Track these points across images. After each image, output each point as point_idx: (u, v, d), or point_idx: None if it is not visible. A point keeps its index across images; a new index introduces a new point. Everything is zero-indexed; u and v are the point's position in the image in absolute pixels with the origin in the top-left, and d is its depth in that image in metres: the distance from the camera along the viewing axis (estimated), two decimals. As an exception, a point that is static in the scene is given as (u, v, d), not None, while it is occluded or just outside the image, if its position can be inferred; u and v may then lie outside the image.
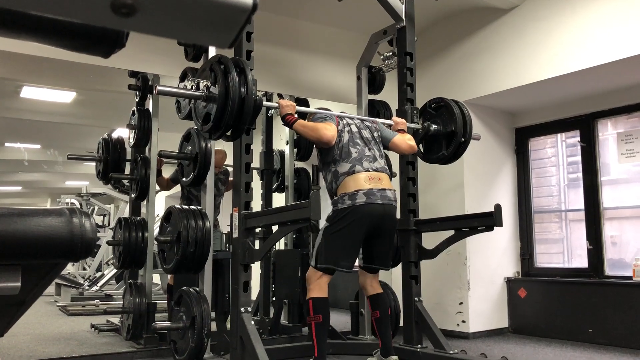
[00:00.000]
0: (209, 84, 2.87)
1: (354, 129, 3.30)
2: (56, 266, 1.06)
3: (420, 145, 3.92)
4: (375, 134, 3.38)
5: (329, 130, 3.13)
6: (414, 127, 3.81)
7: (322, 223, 3.26)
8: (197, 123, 3.00)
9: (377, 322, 3.32)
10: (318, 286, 3.10)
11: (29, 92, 6.04)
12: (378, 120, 3.62)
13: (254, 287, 3.44)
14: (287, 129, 5.00)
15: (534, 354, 3.98)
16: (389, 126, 3.59)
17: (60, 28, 0.84)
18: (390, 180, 3.33)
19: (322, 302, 3.08)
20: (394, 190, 3.27)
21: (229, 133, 2.94)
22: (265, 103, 3.13)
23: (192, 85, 2.99)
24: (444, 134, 3.80)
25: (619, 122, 4.61)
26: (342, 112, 3.52)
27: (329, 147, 3.18)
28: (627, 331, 4.12)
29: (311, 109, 3.51)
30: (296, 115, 3.23)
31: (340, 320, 5.13)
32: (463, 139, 3.74)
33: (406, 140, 3.47)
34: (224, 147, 4.67)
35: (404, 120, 3.65)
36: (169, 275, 4.68)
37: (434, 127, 3.81)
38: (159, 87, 2.85)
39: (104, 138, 4.64)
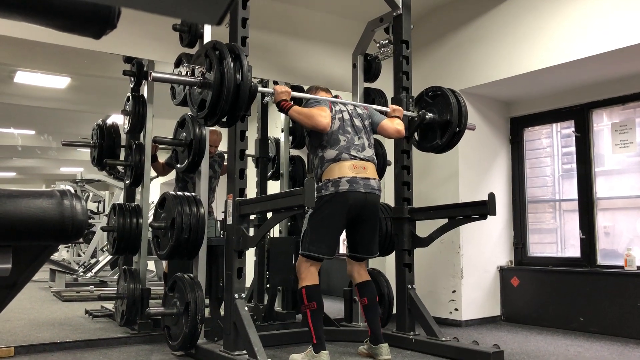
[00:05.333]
0: (204, 70, 2.85)
1: (346, 116, 3.31)
2: (47, 248, 1.06)
3: (415, 133, 3.92)
4: (367, 122, 3.39)
5: (324, 117, 3.14)
6: (410, 115, 3.81)
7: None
8: (193, 109, 2.99)
9: (365, 310, 3.33)
10: (309, 274, 3.12)
11: (22, 77, 6.00)
12: (375, 107, 3.61)
13: (248, 274, 3.45)
14: (282, 117, 4.99)
15: (526, 341, 4.01)
16: (385, 113, 3.59)
17: (50, 7, 0.83)
18: (380, 170, 3.35)
19: (314, 289, 3.10)
20: (379, 180, 3.30)
21: (224, 119, 2.93)
22: (260, 89, 3.12)
23: (187, 72, 2.98)
24: (439, 123, 3.80)
25: (614, 113, 4.61)
26: (335, 96, 3.51)
27: (323, 133, 3.19)
28: (618, 320, 4.15)
29: (306, 94, 3.48)
30: (291, 102, 3.22)
31: (333, 307, 5.16)
32: (458, 129, 3.75)
33: (394, 125, 3.48)
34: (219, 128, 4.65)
35: (400, 108, 3.65)
36: (164, 264, 4.69)
37: (429, 115, 3.82)
38: (154, 74, 2.83)
39: (99, 124, 4.61)
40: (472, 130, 4.00)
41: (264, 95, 5.02)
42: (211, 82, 2.79)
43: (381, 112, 3.58)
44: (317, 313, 3.06)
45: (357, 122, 3.34)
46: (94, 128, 4.65)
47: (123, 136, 4.72)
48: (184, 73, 3.63)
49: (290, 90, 3.24)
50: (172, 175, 5.10)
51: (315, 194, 3.19)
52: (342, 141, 3.20)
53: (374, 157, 3.35)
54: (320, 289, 3.18)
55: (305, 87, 5.04)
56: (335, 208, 3.11)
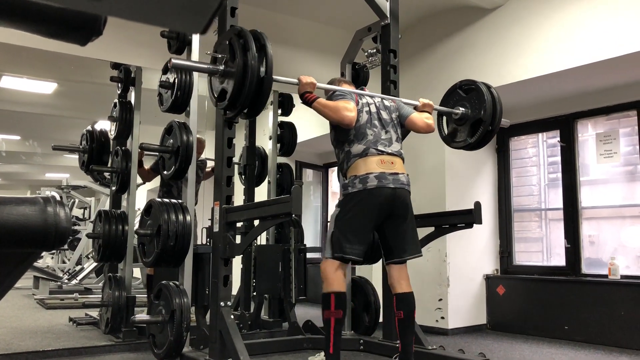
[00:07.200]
0: (227, 58, 2.72)
1: (373, 109, 3.16)
2: (29, 256, 1.05)
3: (445, 129, 3.70)
4: (394, 115, 3.23)
5: (350, 112, 2.98)
6: (442, 110, 3.61)
7: (333, 210, 3.17)
8: (212, 99, 2.88)
9: (399, 324, 3.04)
10: (337, 279, 2.94)
11: (8, 82, 5.95)
12: (403, 100, 3.43)
13: (234, 282, 3.43)
14: (270, 124, 4.99)
15: (511, 350, 4.03)
16: (415, 107, 3.41)
17: (35, 13, 0.83)
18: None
19: (342, 297, 2.95)
20: (408, 175, 3.12)
21: (245, 111, 2.83)
22: (282, 78, 2.92)
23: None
24: (471, 120, 3.50)
25: (598, 123, 4.67)
26: (361, 88, 3.39)
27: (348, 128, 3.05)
28: (602, 328, 4.19)
29: (332, 86, 3.26)
30: (316, 94, 3.06)
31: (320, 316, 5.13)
32: (491, 128, 3.45)
33: (424, 119, 3.29)
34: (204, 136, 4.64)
35: (430, 102, 3.42)
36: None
37: (460, 110, 3.54)
38: (173, 61, 2.63)
39: (89, 130, 4.61)
40: (506, 127, 3.78)
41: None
42: (234, 72, 2.65)
43: (409, 105, 3.39)
44: (340, 322, 2.92)
45: (385, 115, 3.18)
46: (83, 133, 4.64)
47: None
48: (171, 80, 3.62)
49: (315, 81, 3.06)
50: (158, 179, 5.06)
51: (342, 191, 3.07)
52: (369, 135, 3.05)
53: (402, 151, 3.17)
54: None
55: (294, 95, 5.06)
56: (364, 206, 2.94)
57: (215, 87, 2.84)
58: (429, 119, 3.32)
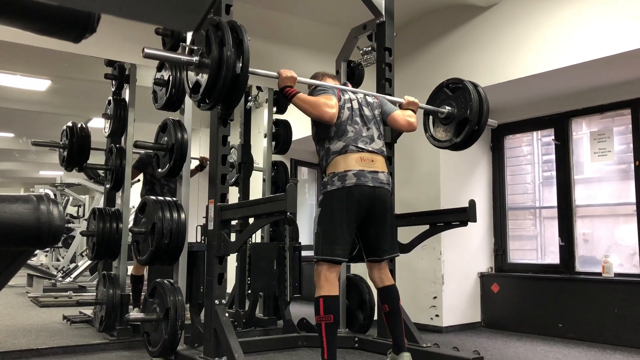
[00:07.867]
0: (204, 50, 2.65)
1: (355, 105, 3.10)
2: (23, 254, 1.04)
3: (432, 128, 3.66)
4: (377, 112, 3.17)
5: (331, 108, 2.93)
6: (428, 109, 3.56)
7: (315, 210, 3.16)
8: (187, 89, 2.85)
9: (386, 317, 3.07)
10: (327, 282, 2.88)
11: (1, 79, 5.92)
12: (387, 97, 3.40)
13: (229, 280, 3.43)
14: (265, 122, 4.98)
15: (505, 348, 4.04)
16: (400, 105, 3.37)
17: (29, 10, 0.82)
18: (386, 162, 3.13)
19: (333, 300, 2.88)
20: (389, 174, 3.09)
21: (219, 106, 2.79)
22: (260, 72, 2.87)
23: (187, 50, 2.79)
24: (457, 119, 3.46)
25: (593, 122, 4.69)
26: (344, 84, 3.34)
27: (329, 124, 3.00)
28: (595, 326, 4.21)
29: (314, 81, 3.18)
30: (296, 89, 2.99)
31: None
32: (477, 127, 3.42)
33: (406, 116, 3.25)
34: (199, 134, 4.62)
35: (416, 101, 3.38)
36: (131, 267, 4.61)
37: (446, 109, 3.49)
38: (146, 50, 2.57)
39: (69, 126, 4.49)
40: (493, 127, 3.73)
41: (247, 100, 5.03)
42: (209, 65, 2.60)
43: (394, 103, 3.36)
44: (332, 327, 2.84)
45: (367, 111, 3.12)
46: (63, 129, 4.55)
47: (102, 139, 4.66)
48: (165, 77, 3.61)
49: (295, 76, 2.98)
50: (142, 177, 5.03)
51: (321, 190, 3.03)
52: (350, 132, 2.99)
53: (384, 149, 3.11)
54: (339, 300, 2.91)
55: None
56: (343, 204, 2.89)
57: (191, 78, 2.80)
58: (411, 116, 3.28)
